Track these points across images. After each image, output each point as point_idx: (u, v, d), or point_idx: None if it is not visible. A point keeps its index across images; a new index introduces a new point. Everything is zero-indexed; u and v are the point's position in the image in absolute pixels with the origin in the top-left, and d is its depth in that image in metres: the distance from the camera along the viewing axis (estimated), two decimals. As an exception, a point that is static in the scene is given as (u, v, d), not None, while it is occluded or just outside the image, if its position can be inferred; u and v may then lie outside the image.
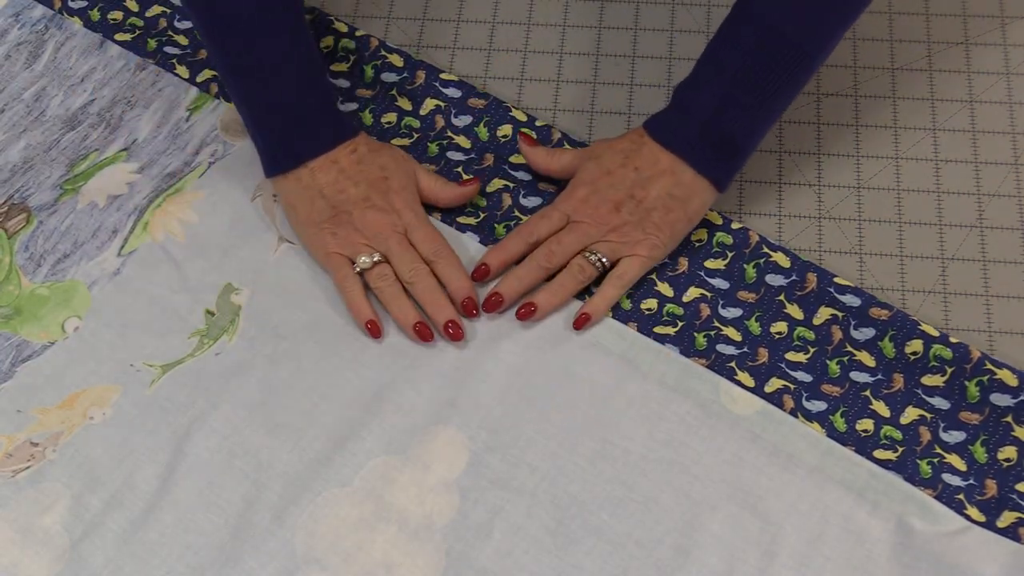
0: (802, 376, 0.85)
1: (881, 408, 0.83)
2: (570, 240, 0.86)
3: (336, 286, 0.88)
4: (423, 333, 0.85)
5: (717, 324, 0.87)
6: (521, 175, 0.94)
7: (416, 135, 0.97)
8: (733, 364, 0.85)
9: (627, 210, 0.85)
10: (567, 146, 0.94)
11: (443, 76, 0.99)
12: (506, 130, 0.96)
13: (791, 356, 0.85)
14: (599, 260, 0.85)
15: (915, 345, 0.84)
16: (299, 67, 0.87)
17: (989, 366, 0.83)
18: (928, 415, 0.83)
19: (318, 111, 0.88)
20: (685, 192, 0.85)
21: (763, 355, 0.85)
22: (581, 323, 0.85)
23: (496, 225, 0.92)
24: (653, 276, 0.89)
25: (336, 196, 0.87)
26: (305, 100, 0.88)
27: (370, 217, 0.87)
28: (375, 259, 0.86)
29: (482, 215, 0.92)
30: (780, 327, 0.87)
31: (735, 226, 0.90)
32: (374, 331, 0.86)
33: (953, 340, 0.84)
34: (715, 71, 0.85)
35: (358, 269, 0.87)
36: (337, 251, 0.87)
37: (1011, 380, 0.82)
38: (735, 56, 0.83)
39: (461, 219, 0.92)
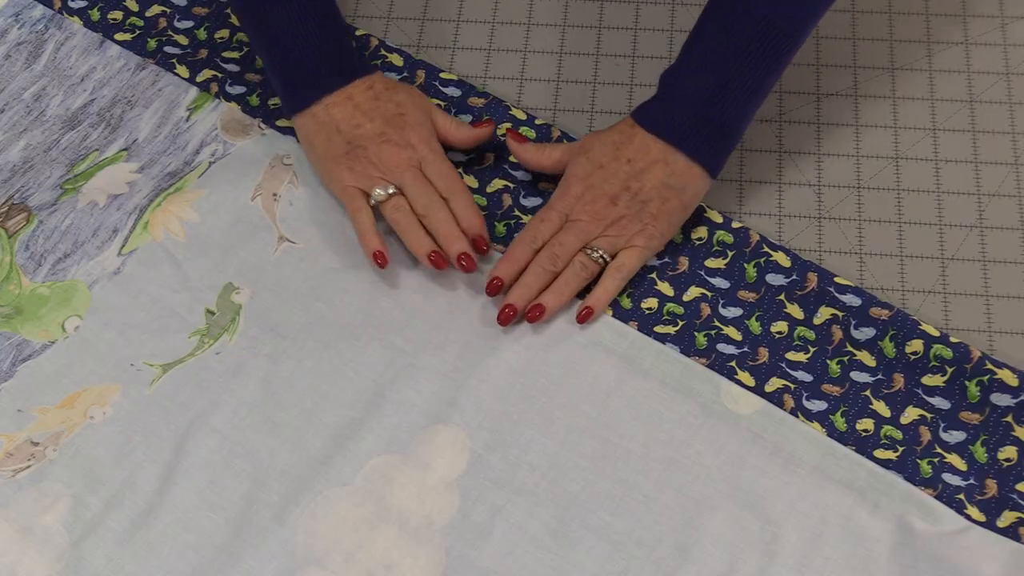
0: (802, 376, 0.85)
1: (881, 408, 0.83)
2: (570, 239, 0.86)
3: (349, 218, 0.89)
4: (437, 262, 0.87)
5: (718, 323, 0.87)
6: (521, 175, 0.94)
7: (416, 135, 0.97)
8: (734, 363, 0.85)
9: (624, 203, 0.86)
10: (565, 143, 0.94)
11: (443, 75, 0.99)
12: (505, 128, 0.96)
13: (791, 356, 0.85)
14: (600, 256, 0.86)
15: (915, 345, 0.84)
16: (312, 5, 0.89)
17: (989, 366, 0.83)
18: (928, 415, 0.83)
19: (333, 48, 0.90)
20: (679, 180, 0.86)
21: (763, 355, 0.85)
22: (584, 317, 0.86)
23: (496, 223, 0.92)
24: (654, 275, 0.89)
25: (352, 131, 0.89)
26: (319, 37, 0.89)
27: (386, 151, 0.88)
28: (390, 191, 0.88)
29: (483, 214, 0.92)
30: (780, 327, 0.87)
31: (736, 225, 0.90)
32: (381, 260, 0.87)
33: (953, 340, 0.84)
34: (703, 59, 0.85)
35: (373, 202, 0.88)
36: (353, 184, 0.88)
37: (1011, 380, 0.82)
38: (721, 44, 0.84)
39: (461, 219, 0.92)
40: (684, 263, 0.89)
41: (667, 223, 0.87)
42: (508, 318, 0.86)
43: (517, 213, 0.92)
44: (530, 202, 0.93)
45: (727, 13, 0.84)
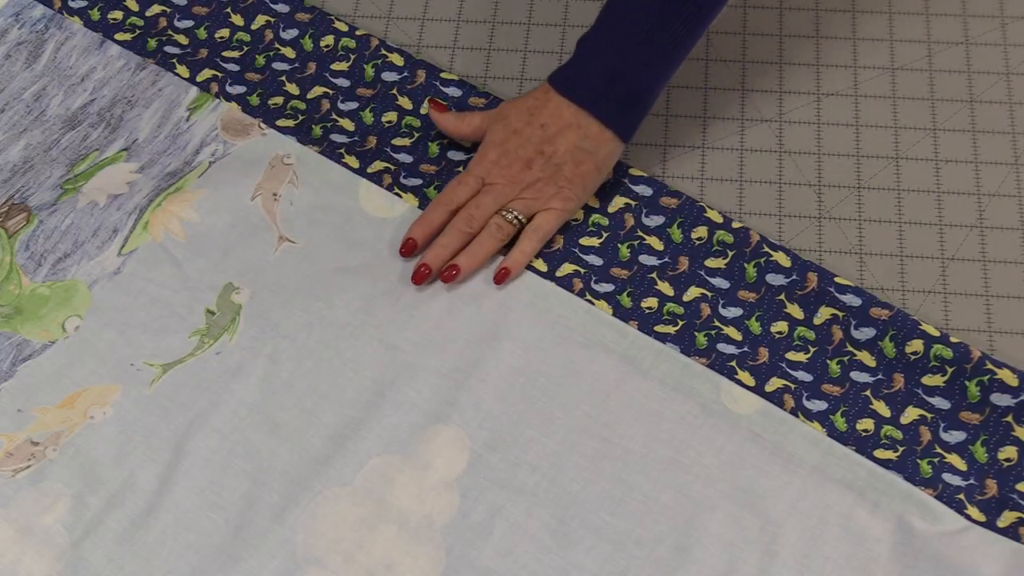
0: (802, 376, 0.85)
1: (881, 408, 0.83)
2: (487, 202, 0.88)
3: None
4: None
5: (718, 323, 0.87)
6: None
7: (417, 134, 0.97)
8: (734, 363, 0.85)
9: (538, 166, 0.88)
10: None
11: (443, 75, 0.99)
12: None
13: (792, 356, 0.85)
14: (515, 217, 0.88)
15: (915, 345, 0.84)
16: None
17: (989, 366, 0.83)
18: (928, 415, 0.83)
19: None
20: (592, 144, 0.87)
21: (763, 354, 0.85)
22: (501, 278, 0.88)
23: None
24: (654, 275, 0.89)
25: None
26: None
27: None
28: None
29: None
30: (781, 326, 0.87)
31: (736, 225, 0.90)
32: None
33: (953, 340, 0.84)
34: (617, 27, 0.86)
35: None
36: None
37: (1011, 380, 0.82)
38: (636, 13, 0.85)
39: (461, 219, 0.92)
40: (684, 263, 0.89)
41: (582, 185, 0.88)
42: (422, 277, 0.87)
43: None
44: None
45: None
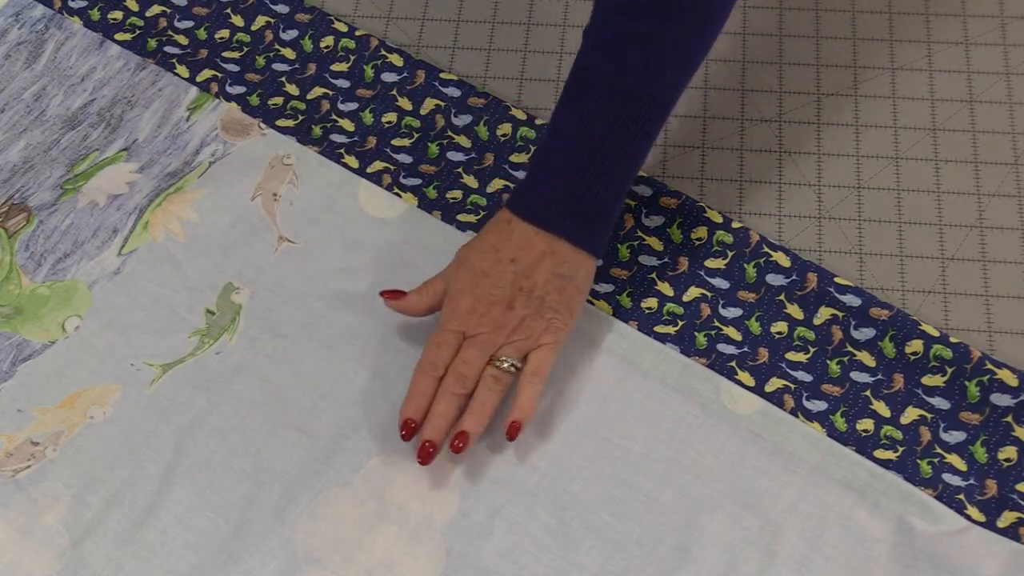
0: (802, 376, 0.85)
1: (881, 408, 0.83)
2: (474, 356, 0.81)
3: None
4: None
5: (717, 323, 0.87)
6: (521, 175, 0.94)
7: (416, 135, 0.97)
8: (734, 363, 0.85)
9: (520, 304, 0.81)
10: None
11: (443, 76, 0.99)
12: (506, 129, 0.96)
13: (791, 356, 0.85)
14: (511, 365, 0.81)
15: (915, 345, 0.84)
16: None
17: (989, 366, 0.83)
18: (928, 415, 0.83)
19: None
20: (569, 268, 0.81)
21: (763, 355, 0.85)
22: (514, 432, 0.80)
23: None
24: (653, 276, 0.89)
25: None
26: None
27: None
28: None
29: (482, 213, 0.92)
30: (780, 327, 0.87)
31: (735, 225, 0.90)
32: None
33: (953, 340, 0.84)
34: (572, 137, 0.81)
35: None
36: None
37: (1011, 380, 0.82)
38: (588, 119, 0.80)
39: (461, 217, 0.92)
40: (684, 263, 0.89)
41: (568, 311, 0.82)
42: (429, 455, 0.80)
43: (517, 213, 0.92)
44: (530, 202, 0.93)
45: (580, 86, 0.81)
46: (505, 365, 0.81)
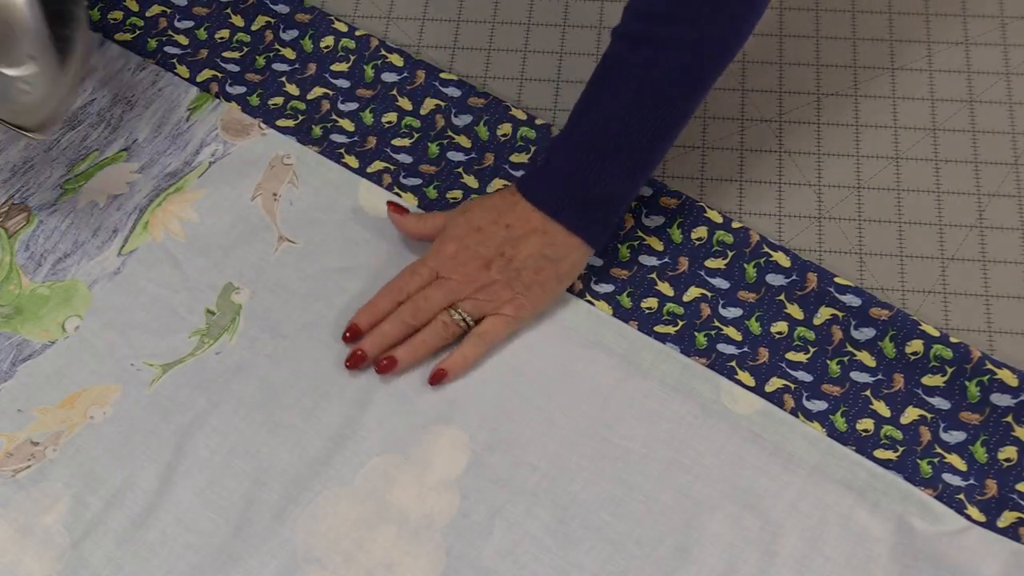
0: (802, 376, 0.85)
1: (881, 408, 0.83)
2: (436, 296, 0.84)
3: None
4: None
5: (718, 323, 0.87)
6: (521, 174, 0.94)
7: (416, 135, 0.97)
8: (734, 363, 0.85)
9: (496, 268, 0.84)
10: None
11: (443, 75, 0.99)
12: (506, 129, 0.96)
13: (791, 356, 0.85)
14: (463, 318, 0.84)
15: (915, 345, 0.84)
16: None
17: (989, 366, 0.83)
18: (928, 415, 0.83)
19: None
20: (557, 252, 0.84)
21: (763, 355, 0.85)
22: (436, 379, 0.84)
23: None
24: (654, 276, 0.89)
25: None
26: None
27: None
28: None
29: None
30: (780, 327, 0.87)
31: (736, 225, 0.90)
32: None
33: (953, 340, 0.84)
34: (586, 128, 0.83)
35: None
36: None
37: (1011, 380, 0.82)
38: (606, 113, 0.82)
39: (461, 219, 0.92)
40: (684, 263, 0.89)
41: (539, 294, 0.84)
42: (357, 361, 0.84)
43: (517, 213, 0.92)
44: (530, 202, 0.93)
45: (610, 79, 0.82)
46: (456, 316, 0.84)
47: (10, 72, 0.78)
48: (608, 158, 0.82)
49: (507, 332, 0.85)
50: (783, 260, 0.89)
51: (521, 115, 0.97)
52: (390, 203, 0.90)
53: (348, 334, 0.85)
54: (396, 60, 1.00)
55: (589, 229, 0.84)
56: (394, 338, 0.85)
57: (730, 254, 0.90)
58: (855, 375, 0.84)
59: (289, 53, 1.01)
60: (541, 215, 0.84)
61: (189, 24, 1.04)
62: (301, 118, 0.98)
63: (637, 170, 0.84)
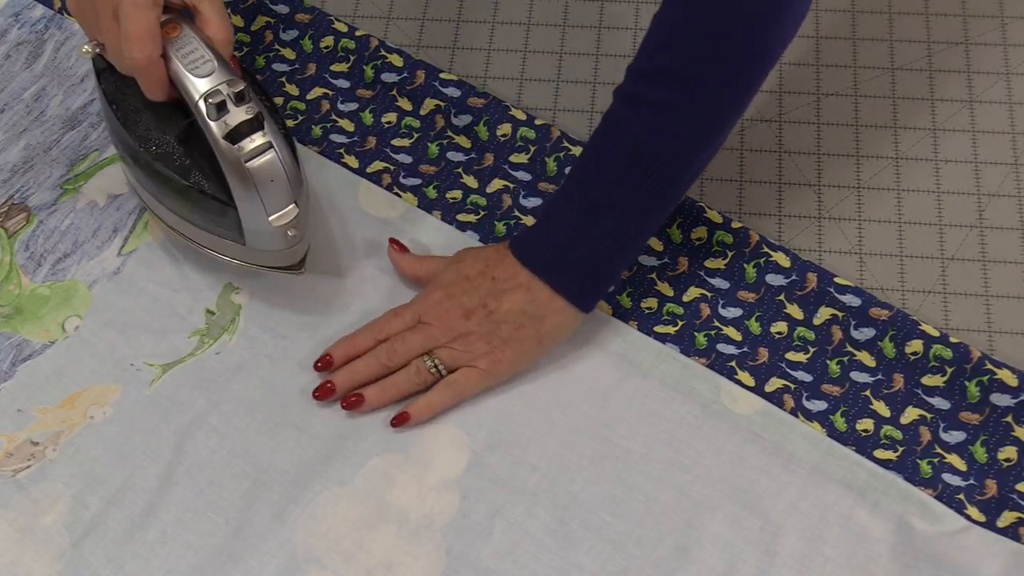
0: (802, 376, 0.85)
1: (881, 408, 0.83)
2: (414, 340, 0.84)
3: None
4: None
5: (717, 323, 0.87)
6: (521, 175, 0.94)
7: (416, 135, 0.97)
8: (733, 363, 0.85)
9: (476, 319, 0.83)
10: (566, 144, 0.94)
11: (443, 76, 0.99)
12: (506, 129, 0.96)
13: (791, 356, 0.85)
14: (435, 366, 0.83)
15: (915, 345, 0.84)
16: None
17: (989, 366, 0.83)
18: (928, 415, 0.83)
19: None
20: (539, 310, 0.82)
21: (763, 355, 0.85)
22: (399, 421, 0.83)
23: (496, 223, 0.92)
24: (653, 276, 0.89)
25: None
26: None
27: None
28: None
29: (482, 213, 0.92)
30: (780, 327, 0.87)
31: (735, 225, 0.90)
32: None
33: (953, 340, 0.84)
34: (578, 194, 0.82)
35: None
36: None
37: (1011, 380, 0.82)
38: (598, 180, 0.81)
39: (461, 217, 0.92)
40: (684, 263, 0.89)
41: (517, 351, 0.83)
42: (325, 393, 0.84)
43: (517, 213, 0.92)
44: (530, 202, 0.93)
45: (606, 142, 0.81)
46: (430, 363, 0.83)
47: (279, 221, 0.79)
48: (598, 221, 0.81)
49: (479, 386, 0.84)
50: (783, 260, 0.89)
51: (521, 115, 0.97)
52: (392, 240, 0.90)
53: (320, 364, 0.84)
54: (396, 60, 1.00)
55: (573, 290, 0.82)
56: (366, 376, 0.84)
57: (730, 254, 0.90)
58: (855, 375, 0.84)
59: (289, 53, 1.01)
60: (527, 272, 0.83)
61: (189, 24, 1.04)
62: (301, 118, 0.98)
63: (630, 235, 0.82)
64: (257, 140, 0.76)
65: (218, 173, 0.78)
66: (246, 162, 0.76)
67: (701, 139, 0.80)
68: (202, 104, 0.75)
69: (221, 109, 0.75)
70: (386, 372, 0.84)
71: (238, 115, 0.75)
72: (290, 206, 0.79)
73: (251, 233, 0.80)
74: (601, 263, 0.83)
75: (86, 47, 0.78)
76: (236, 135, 0.75)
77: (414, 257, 0.89)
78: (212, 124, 0.75)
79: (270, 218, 0.79)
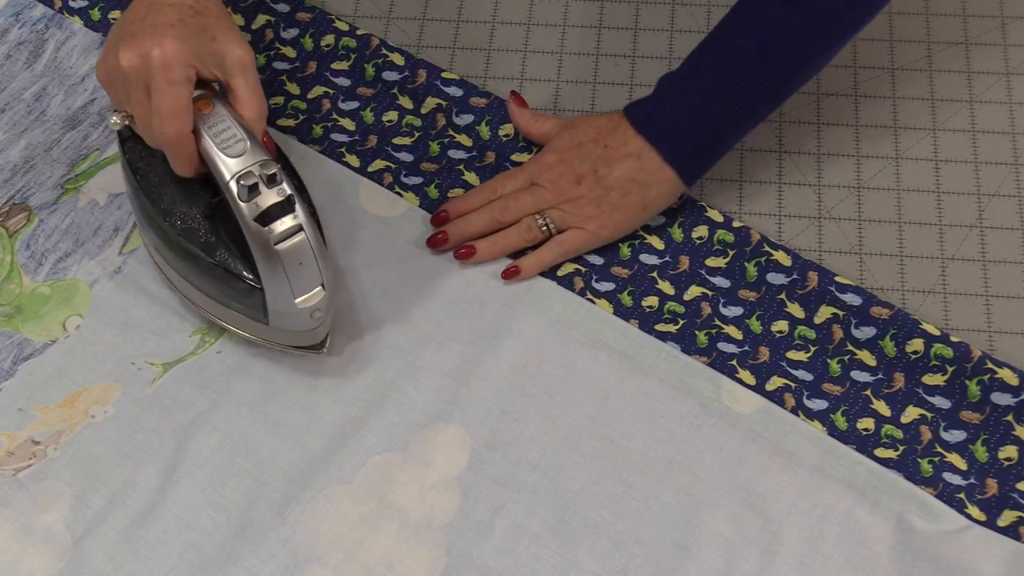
0: (803, 375, 0.85)
1: (882, 407, 0.83)
2: (526, 200, 0.88)
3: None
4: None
5: (718, 322, 0.87)
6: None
7: (418, 134, 0.97)
8: (734, 362, 0.85)
9: (587, 184, 0.87)
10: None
11: (444, 75, 0.99)
12: (507, 129, 0.96)
13: (792, 355, 0.85)
14: (546, 224, 0.87)
15: (916, 344, 0.85)
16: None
17: (990, 365, 0.83)
18: (929, 414, 0.83)
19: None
20: (648, 178, 0.86)
21: (764, 353, 0.86)
22: (510, 275, 0.88)
23: (497, 223, 0.92)
24: (654, 274, 0.89)
25: None
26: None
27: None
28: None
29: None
30: (781, 326, 0.87)
31: (736, 224, 0.90)
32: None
33: (954, 339, 0.84)
34: (703, 71, 0.86)
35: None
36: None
37: (1012, 379, 0.83)
38: (723, 61, 0.85)
39: (462, 218, 0.92)
40: (685, 262, 0.90)
41: (623, 216, 0.87)
42: (437, 243, 0.89)
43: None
44: (531, 201, 0.93)
45: (735, 29, 0.85)
46: (541, 222, 0.88)
47: (305, 304, 0.78)
48: (711, 102, 0.85)
49: (585, 246, 0.88)
50: (784, 259, 0.89)
51: (522, 115, 0.97)
52: (513, 92, 0.95)
53: (436, 218, 0.90)
54: (397, 59, 1.00)
55: (683, 164, 0.86)
56: (478, 230, 0.89)
57: (731, 253, 0.90)
58: (856, 374, 0.84)
59: (289, 52, 1.01)
60: (640, 140, 0.86)
61: (190, 24, 1.04)
62: (302, 117, 0.98)
63: (741, 118, 0.86)
64: (288, 223, 0.75)
65: (244, 252, 0.77)
66: (276, 244, 0.74)
67: (825, 41, 0.84)
68: (233, 185, 0.73)
69: (253, 191, 0.73)
70: (497, 228, 0.89)
71: (269, 197, 0.74)
72: (316, 288, 0.78)
73: (275, 314, 0.80)
74: (711, 139, 0.87)
75: (115, 119, 0.77)
76: (267, 217, 0.74)
77: (531, 114, 0.93)
78: (243, 205, 0.74)
79: (296, 300, 0.78)
